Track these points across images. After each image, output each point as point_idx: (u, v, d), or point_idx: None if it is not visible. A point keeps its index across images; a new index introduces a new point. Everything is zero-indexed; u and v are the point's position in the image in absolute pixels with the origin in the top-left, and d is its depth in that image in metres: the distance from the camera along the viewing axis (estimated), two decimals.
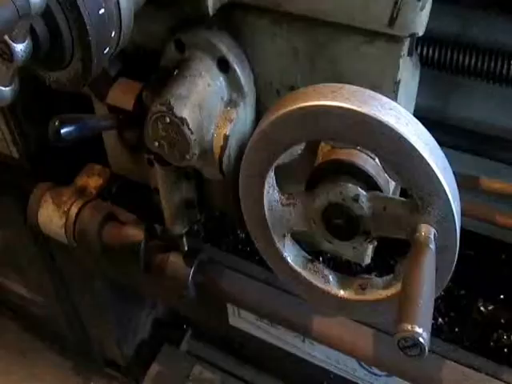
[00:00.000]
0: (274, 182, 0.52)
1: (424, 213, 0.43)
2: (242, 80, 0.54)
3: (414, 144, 0.42)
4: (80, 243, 0.85)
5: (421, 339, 0.36)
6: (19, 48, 0.37)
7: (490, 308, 0.86)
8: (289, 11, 0.49)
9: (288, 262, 0.55)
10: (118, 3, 0.42)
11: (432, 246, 0.42)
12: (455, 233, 0.43)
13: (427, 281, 0.39)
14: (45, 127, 0.91)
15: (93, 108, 0.71)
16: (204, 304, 0.90)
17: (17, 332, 1.58)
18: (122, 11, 0.43)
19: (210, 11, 0.49)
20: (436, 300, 0.84)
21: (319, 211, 0.50)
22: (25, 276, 1.30)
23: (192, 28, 0.54)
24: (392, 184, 0.51)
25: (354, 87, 0.45)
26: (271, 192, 0.52)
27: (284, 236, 0.54)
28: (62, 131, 0.55)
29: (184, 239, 0.77)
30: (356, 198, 0.47)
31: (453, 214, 0.42)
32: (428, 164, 0.42)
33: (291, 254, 0.55)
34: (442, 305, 0.87)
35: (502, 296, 0.86)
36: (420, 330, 0.36)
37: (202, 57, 0.54)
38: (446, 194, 0.42)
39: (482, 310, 0.86)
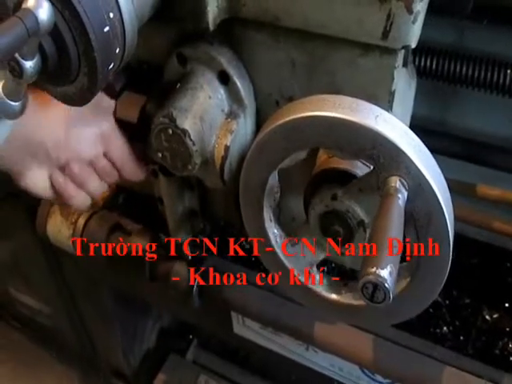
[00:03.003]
0: (279, 230, 0.53)
1: (382, 168, 0.42)
2: (242, 92, 0.56)
3: (336, 114, 0.41)
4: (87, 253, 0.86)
5: (383, 281, 0.34)
6: (28, 65, 0.39)
7: (495, 316, 0.86)
8: (286, 25, 0.50)
9: (323, 296, 0.54)
10: (122, 21, 0.44)
11: (400, 194, 0.40)
12: (417, 168, 0.40)
13: (391, 227, 0.37)
14: None
15: None
16: (208, 312, 0.91)
17: (24, 342, 1.59)
18: (125, 28, 0.44)
19: (211, 26, 0.51)
20: (441, 309, 0.85)
21: (318, 230, 0.51)
22: (32, 286, 1.31)
23: (193, 42, 0.56)
24: None
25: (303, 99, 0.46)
26: (279, 241, 0.53)
27: (309, 273, 0.54)
28: None
29: (188, 248, 0.78)
30: (334, 197, 0.48)
31: (402, 151, 0.40)
32: (349, 120, 0.41)
33: (323, 286, 0.54)
34: (447, 313, 0.87)
35: (506, 304, 0.86)
36: (380, 272, 0.34)
37: (203, 70, 0.55)
38: (380, 135, 0.40)
39: (486, 319, 0.86)
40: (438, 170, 0.42)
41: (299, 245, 0.52)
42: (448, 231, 0.43)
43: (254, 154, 0.47)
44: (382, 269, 0.34)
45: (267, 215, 0.51)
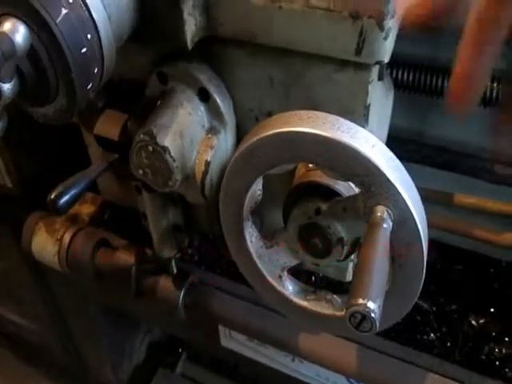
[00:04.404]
0: (253, 229, 0.54)
1: (371, 196, 0.43)
2: (222, 108, 0.57)
3: (327, 135, 0.42)
4: (73, 270, 0.86)
5: (372, 313, 0.35)
6: (6, 87, 0.40)
7: (482, 322, 0.87)
8: (263, 43, 0.52)
9: (292, 301, 0.55)
10: (100, 41, 0.45)
11: (386, 224, 0.41)
12: (405, 202, 0.42)
13: (378, 258, 0.38)
14: (37, 155, 0.93)
15: (82, 135, 0.74)
16: (195, 326, 0.91)
17: (12, 360, 1.57)
18: (103, 49, 0.45)
19: (189, 45, 0.52)
20: (428, 315, 0.86)
21: (295, 239, 0.52)
22: (20, 304, 1.30)
23: (173, 61, 0.57)
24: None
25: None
26: (254, 241, 0.54)
27: (280, 277, 0.55)
28: (60, 202, 0.58)
29: (173, 262, 0.78)
30: (318, 212, 0.49)
31: (393, 185, 0.41)
32: (348, 146, 0.42)
33: (292, 292, 0.55)
34: (434, 320, 0.88)
35: (492, 309, 0.87)
36: (370, 304, 0.35)
37: (183, 88, 0.56)
38: (375, 167, 0.41)
39: (473, 324, 0.87)
40: (421, 205, 0.44)
41: (274, 248, 0.53)
42: (423, 263, 0.45)
43: (243, 156, 0.48)
44: (373, 301, 0.35)
45: (246, 215, 0.52)
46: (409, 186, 0.43)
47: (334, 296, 0.54)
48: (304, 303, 0.54)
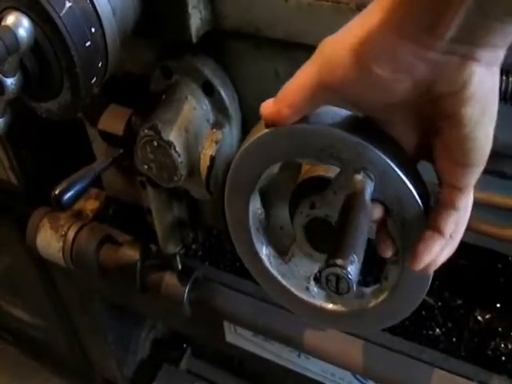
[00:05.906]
0: (270, 251, 0.52)
1: (347, 165, 0.41)
2: (227, 102, 0.56)
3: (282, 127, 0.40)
4: (78, 266, 0.86)
5: (343, 270, 0.33)
6: (10, 82, 0.39)
7: (487, 317, 0.87)
8: (268, 36, 0.51)
9: (325, 308, 0.53)
10: (104, 35, 0.44)
11: (366, 185, 0.39)
12: (376, 154, 0.39)
13: (354, 219, 0.36)
14: (41, 151, 0.93)
15: (86, 130, 0.74)
16: (200, 321, 0.91)
17: (17, 356, 1.58)
18: (107, 43, 0.45)
19: (194, 38, 0.51)
20: (433, 310, 0.86)
21: (304, 241, 0.50)
22: (25, 300, 1.31)
23: (178, 54, 0.56)
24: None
25: None
26: (273, 261, 0.52)
27: (308, 289, 0.53)
28: (65, 197, 0.57)
29: (178, 258, 0.78)
30: (312, 206, 0.47)
31: (358, 142, 0.38)
32: (300, 127, 0.40)
33: (322, 299, 0.53)
34: (439, 315, 0.88)
35: (498, 305, 0.87)
36: (341, 262, 0.33)
37: (187, 82, 0.56)
38: (334, 132, 0.39)
39: (479, 320, 0.87)
40: (401, 153, 0.40)
41: (292, 261, 0.52)
42: (420, 207, 0.40)
43: (232, 179, 0.47)
44: (343, 258, 0.33)
45: (257, 239, 0.50)
46: (378, 136, 0.39)
47: (360, 288, 0.50)
48: (335, 308, 0.51)
